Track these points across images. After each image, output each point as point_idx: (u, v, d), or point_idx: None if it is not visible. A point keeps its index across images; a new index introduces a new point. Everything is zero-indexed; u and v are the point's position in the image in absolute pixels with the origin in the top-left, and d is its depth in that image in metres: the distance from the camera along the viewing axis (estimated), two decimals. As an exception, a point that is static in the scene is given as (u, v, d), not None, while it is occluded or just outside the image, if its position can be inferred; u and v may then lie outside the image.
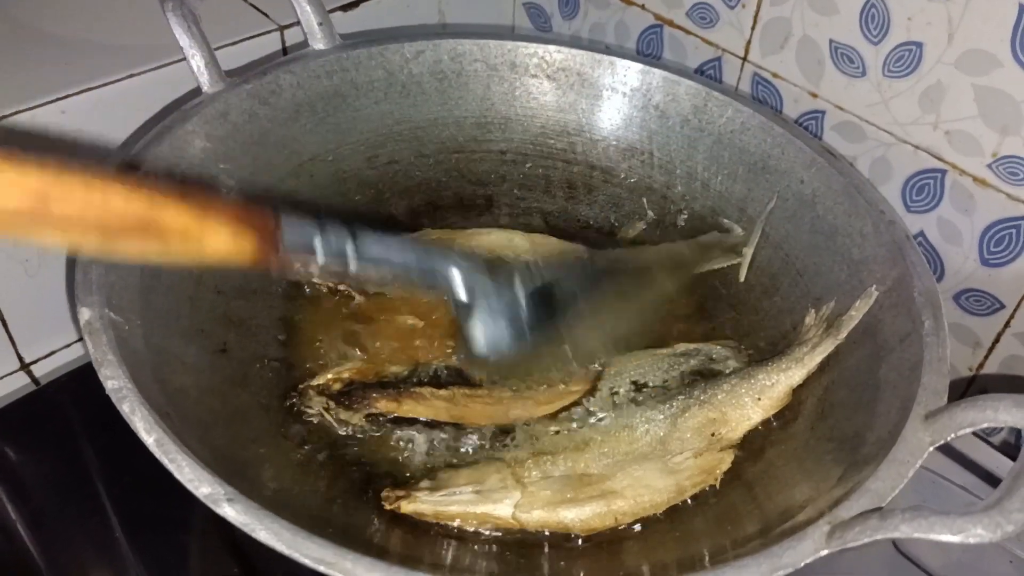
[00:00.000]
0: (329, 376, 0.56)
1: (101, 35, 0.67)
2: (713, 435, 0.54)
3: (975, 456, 0.61)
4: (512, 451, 0.54)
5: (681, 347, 0.61)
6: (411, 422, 0.55)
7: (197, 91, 0.60)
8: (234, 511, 0.39)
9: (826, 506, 0.42)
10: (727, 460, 0.54)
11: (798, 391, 0.55)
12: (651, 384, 0.59)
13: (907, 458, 0.43)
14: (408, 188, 0.70)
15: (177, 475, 0.40)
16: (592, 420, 0.56)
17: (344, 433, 0.54)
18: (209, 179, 0.53)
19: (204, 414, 0.48)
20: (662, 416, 0.55)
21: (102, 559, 0.56)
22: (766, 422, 0.55)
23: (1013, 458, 0.40)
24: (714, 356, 0.61)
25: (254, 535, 0.38)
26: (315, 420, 0.54)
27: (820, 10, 0.65)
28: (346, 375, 0.56)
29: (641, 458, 0.53)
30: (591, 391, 0.58)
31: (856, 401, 0.51)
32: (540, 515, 0.51)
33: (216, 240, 0.35)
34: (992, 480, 0.60)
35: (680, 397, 0.56)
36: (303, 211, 0.41)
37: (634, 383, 0.59)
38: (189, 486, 0.40)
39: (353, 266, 0.39)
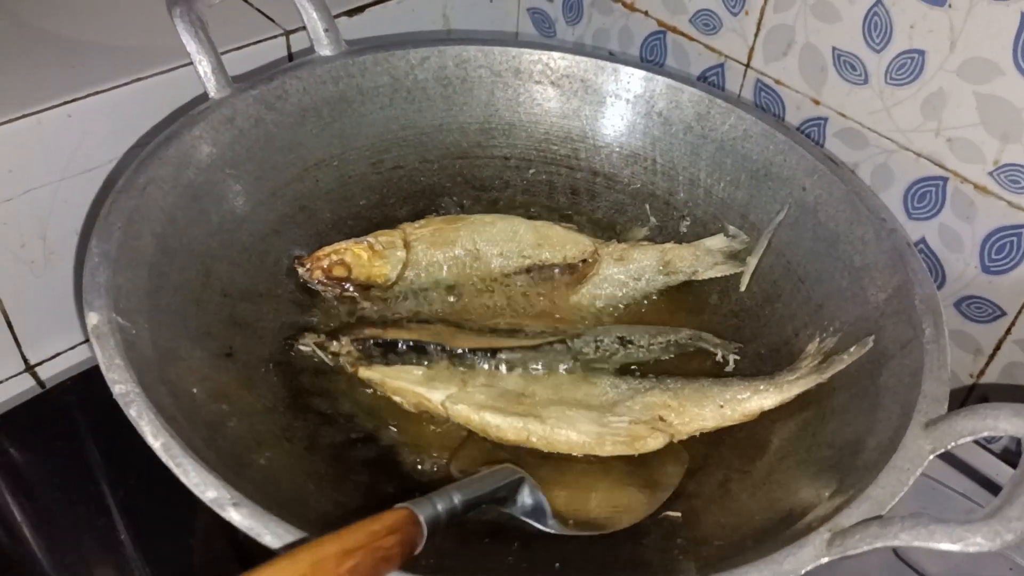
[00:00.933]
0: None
1: (108, 37, 0.68)
2: (661, 418, 0.55)
3: (976, 463, 0.61)
4: (478, 364, 0.58)
5: (671, 327, 0.63)
6: (394, 345, 0.58)
7: (204, 96, 0.61)
8: (239, 515, 0.39)
9: (826, 513, 0.42)
10: (657, 440, 0.54)
11: (799, 397, 0.56)
12: (636, 342, 0.60)
13: (907, 466, 0.44)
14: (412, 193, 0.70)
15: (183, 479, 0.40)
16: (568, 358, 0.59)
17: (333, 365, 0.57)
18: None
19: (210, 417, 0.48)
20: (626, 386, 0.57)
21: (107, 561, 0.57)
22: (767, 426, 0.56)
23: (1014, 466, 0.41)
24: (704, 337, 0.62)
25: (259, 539, 0.38)
26: (308, 354, 0.57)
27: (823, 17, 0.65)
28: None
29: (580, 405, 0.56)
30: (576, 336, 0.60)
31: (857, 408, 0.51)
32: (464, 410, 0.55)
33: (395, 558, 0.39)
34: (993, 487, 0.60)
35: (653, 379, 0.58)
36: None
37: (620, 338, 0.60)
38: (195, 490, 0.40)
39: (459, 512, 0.45)
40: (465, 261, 0.65)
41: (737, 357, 0.61)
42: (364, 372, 0.57)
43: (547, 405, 0.55)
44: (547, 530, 0.50)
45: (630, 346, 0.60)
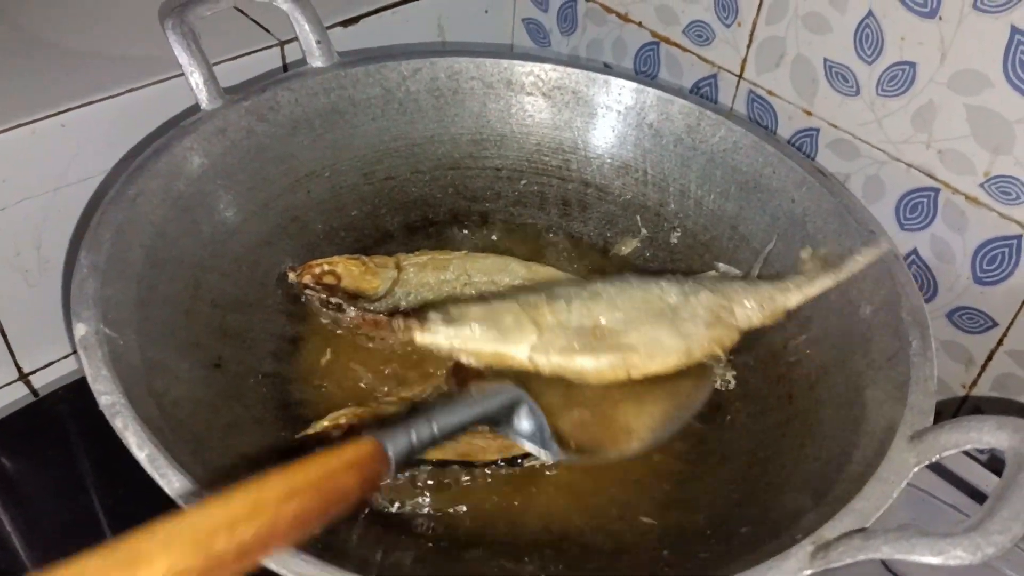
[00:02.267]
0: (326, 423, 0.54)
1: (103, 46, 0.68)
2: (720, 319, 0.56)
3: (967, 475, 0.61)
4: (524, 295, 0.56)
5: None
6: (417, 464, 0.53)
7: (196, 107, 0.61)
8: (222, 527, 0.39)
9: (810, 525, 0.42)
10: (735, 336, 0.56)
11: (787, 408, 0.56)
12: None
13: (892, 478, 0.44)
14: (404, 204, 0.71)
15: (168, 490, 0.41)
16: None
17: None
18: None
19: (198, 428, 0.49)
20: (676, 289, 0.58)
21: (97, 570, 0.57)
22: (755, 437, 0.56)
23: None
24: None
25: (242, 551, 0.39)
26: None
27: (814, 29, 0.66)
28: (343, 420, 0.54)
29: (653, 318, 0.55)
30: None
31: (843, 419, 0.51)
32: (557, 360, 0.53)
33: (353, 496, 0.36)
34: (983, 499, 0.60)
35: (691, 282, 0.59)
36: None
37: None
38: (179, 501, 0.40)
39: (437, 441, 0.43)
40: (456, 285, 0.64)
41: (734, 373, 0.61)
42: (423, 339, 0.53)
43: (626, 331, 0.55)
44: (545, 456, 0.48)
45: None
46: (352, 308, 0.61)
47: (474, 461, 0.54)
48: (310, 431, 0.53)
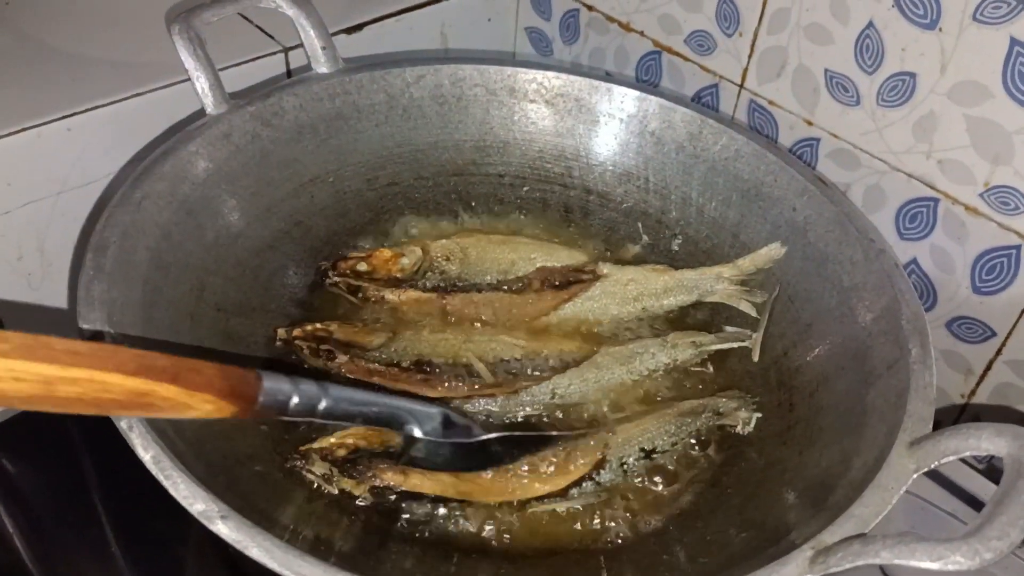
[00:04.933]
0: (332, 440, 0.53)
1: (109, 52, 0.68)
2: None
3: (966, 484, 0.61)
4: None
5: (687, 404, 0.59)
6: (417, 496, 0.53)
7: (201, 112, 0.61)
8: (227, 528, 0.39)
9: (810, 531, 0.43)
10: None
11: (787, 415, 0.56)
12: (660, 449, 0.57)
13: (891, 484, 0.44)
14: (407, 210, 0.71)
15: (172, 492, 0.41)
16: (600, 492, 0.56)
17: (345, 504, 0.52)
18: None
19: (201, 430, 0.48)
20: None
21: (99, 572, 0.57)
22: (755, 444, 0.56)
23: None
24: (721, 410, 0.59)
25: (246, 552, 0.39)
26: (315, 485, 0.52)
27: (816, 40, 0.66)
28: (350, 440, 0.54)
29: None
30: (600, 464, 0.56)
31: (843, 426, 0.51)
32: None
33: (201, 408, 0.40)
34: (981, 507, 0.60)
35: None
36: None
37: (643, 450, 0.57)
38: (184, 503, 0.40)
39: (320, 414, 0.46)
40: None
41: (759, 415, 0.59)
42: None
43: None
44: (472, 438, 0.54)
45: (655, 455, 0.57)
46: (342, 355, 0.59)
47: (473, 502, 0.53)
48: (314, 446, 0.53)
